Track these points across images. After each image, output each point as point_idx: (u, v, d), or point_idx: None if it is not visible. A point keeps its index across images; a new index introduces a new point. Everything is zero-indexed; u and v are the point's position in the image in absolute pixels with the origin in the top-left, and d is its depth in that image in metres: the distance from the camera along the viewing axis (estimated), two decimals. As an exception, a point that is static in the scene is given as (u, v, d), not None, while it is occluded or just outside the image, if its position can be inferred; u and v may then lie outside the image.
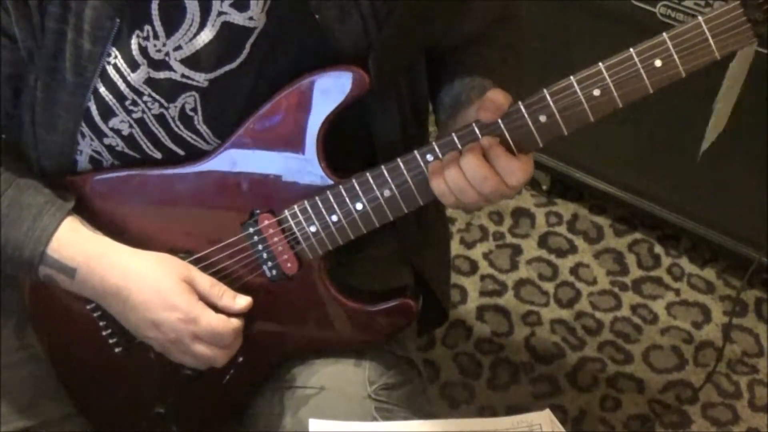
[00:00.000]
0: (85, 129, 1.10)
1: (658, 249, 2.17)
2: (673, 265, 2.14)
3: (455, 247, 2.14)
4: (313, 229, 1.10)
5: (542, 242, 2.17)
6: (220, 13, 1.03)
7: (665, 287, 2.10)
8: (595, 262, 2.14)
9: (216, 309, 1.10)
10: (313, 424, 1.09)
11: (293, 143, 1.08)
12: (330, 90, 1.05)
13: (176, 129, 1.09)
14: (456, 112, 1.12)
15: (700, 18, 0.95)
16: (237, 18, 1.03)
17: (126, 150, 1.11)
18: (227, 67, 1.06)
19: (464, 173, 1.02)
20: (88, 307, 1.16)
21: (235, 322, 1.11)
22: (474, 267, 2.12)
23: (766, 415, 1.88)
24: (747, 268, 1.80)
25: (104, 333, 1.17)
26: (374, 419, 1.14)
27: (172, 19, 1.03)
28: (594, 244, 2.18)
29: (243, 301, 1.12)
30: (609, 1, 1.83)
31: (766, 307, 2.06)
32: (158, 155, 1.12)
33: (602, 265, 2.14)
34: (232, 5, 1.02)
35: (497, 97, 1.02)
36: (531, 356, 1.97)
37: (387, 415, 1.16)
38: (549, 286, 2.09)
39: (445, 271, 1.39)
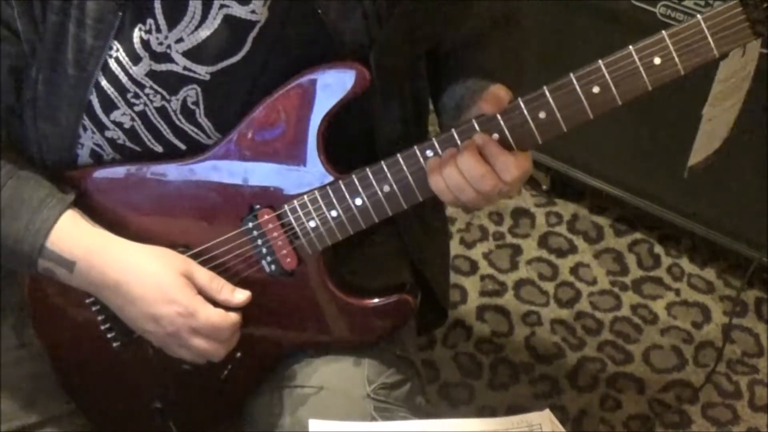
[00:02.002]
0: (87, 122, 1.10)
1: (658, 249, 2.17)
2: (673, 265, 2.14)
3: (455, 247, 2.14)
4: (312, 224, 1.11)
5: (542, 242, 2.17)
6: (222, 6, 1.03)
7: (665, 287, 2.10)
8: (595, 262, 2.14)
9: (215, 303, 1.11)
10: (313, 424, 1.09)
11: (294, 138, 1.08)
12: (331, 86, 1.06)
13: (178, 122, 1.10)
14: (459, 114, 1.13)
15: (699, 16, 0.95)
16: (239, 11, 1.03)
17: (127, 143, 1.12)
18: (229, 61, 1.06)
19: (462, 172, 1.02)
20: (87, 300, 1.16)
21: (234, 316, 1.11)
22: (474, 267, 2.12)
23: (766, 415, 1.88)
24: (747, 268, 1.80)
25: (102, 327, 1.17)
26: (373, 419, 1.14)
27: (174, 12, 1.03)
28: (594, 244, 2.18)
29: (242, 296, 1.12)
30: (609, 1, 1.83)
31: (766, 307, 2.06)
32: (159, 149, 1.12)
33: (602, 265, 2.14)
34: None
35: (499, 91, 1.04)
36: (531, 356, 1.97)
37: (386, 415, 1.16)
38: (549, 286, 2.09)
39: (445, 270, 1.39)
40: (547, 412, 1.09)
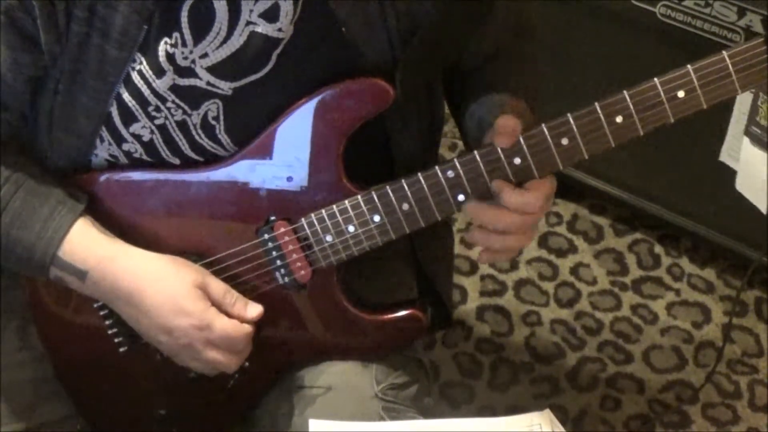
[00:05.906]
0: (105, 134, 1.09)
1: (658, 249, 2.17)
2: (673, 265, 2.14)
3: (455, 247, 2.14)
4: (329, 238, 1.10)
5: (542, 242, 2.17)
6: (248, 23, 1.02)
7: (665, 287, 2.10)
8: (595, 262, 2.14)
9: (227, 315, 1.10)
10: (313, 424, 1.09)
11: (314, 152, 1.07)
12: (354, 101, 1.05)
13: (197, 137, 1.09)
14: (482, 135, 1.12)
15: (724, 52, 0.96)
16: (265, 28, 1.03)
17: (144, 156, 1.11)
18: (252, 77, 1.06)
19: (489, 229, 1.06)
20: (95, 305, 1.15)
21: (248, 327, 1.11)
22: (474, 267, 2.12)
23: (766, 415, 1.88)
24: (747, 268, 1.80)
25: (110, 332, 1.17)
26: (381, 419, 1.14)
27: (201, 26, 1.03)
28: (594, 244, 2.18)
29: (255, 310, 1.12)
30: (609, 1, 1.83)
31: (766, 307, 2.06)
32: (176, 162, 1.11)
33: (602, 265, 2.14)
34: (261, 16, 1.02)
35: (508, 122, 1.03)
36: (531, 356, 1.97)
37: (394, 415, 1.16)
38: (549, 286, 2.09)
39: (449, 274, 1.39)
40: (547, 412, 1.09)
